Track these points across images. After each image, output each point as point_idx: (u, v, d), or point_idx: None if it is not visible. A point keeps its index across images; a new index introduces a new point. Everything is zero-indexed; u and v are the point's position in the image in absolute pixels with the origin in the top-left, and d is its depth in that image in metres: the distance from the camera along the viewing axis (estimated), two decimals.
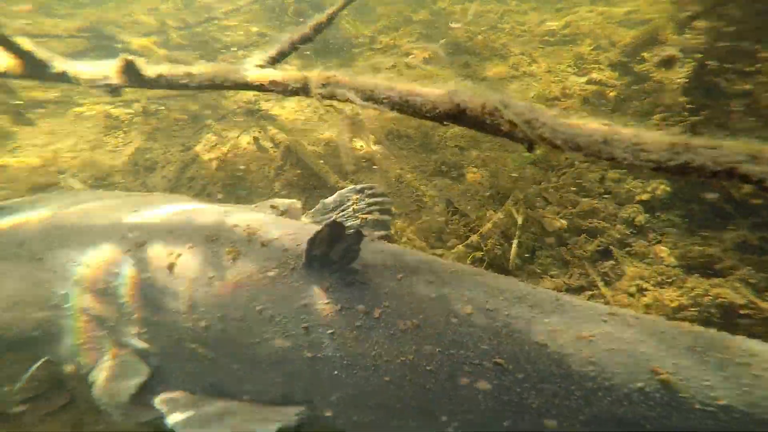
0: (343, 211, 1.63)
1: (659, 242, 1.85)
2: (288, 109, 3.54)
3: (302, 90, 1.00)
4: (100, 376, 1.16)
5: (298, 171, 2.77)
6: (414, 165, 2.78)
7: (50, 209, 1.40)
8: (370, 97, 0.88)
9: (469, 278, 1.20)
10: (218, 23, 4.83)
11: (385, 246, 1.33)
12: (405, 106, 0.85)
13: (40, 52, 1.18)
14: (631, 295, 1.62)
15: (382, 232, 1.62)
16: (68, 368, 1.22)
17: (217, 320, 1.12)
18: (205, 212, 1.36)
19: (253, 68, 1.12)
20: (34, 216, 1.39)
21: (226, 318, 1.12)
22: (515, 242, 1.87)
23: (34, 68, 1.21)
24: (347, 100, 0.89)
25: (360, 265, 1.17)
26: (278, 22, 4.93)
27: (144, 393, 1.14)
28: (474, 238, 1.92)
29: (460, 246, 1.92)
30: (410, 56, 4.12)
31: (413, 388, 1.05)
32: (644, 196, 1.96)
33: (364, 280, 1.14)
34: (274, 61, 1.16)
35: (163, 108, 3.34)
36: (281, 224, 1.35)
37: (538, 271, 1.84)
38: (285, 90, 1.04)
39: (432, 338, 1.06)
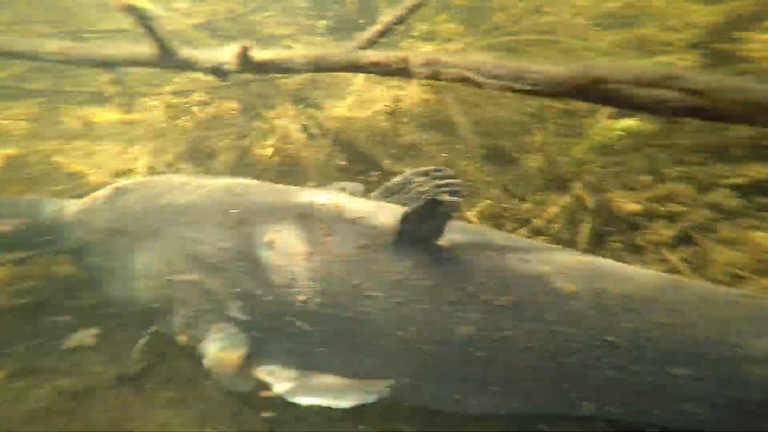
0: (406, 193, 1.63)
1: (757, 228, 1.75)
2: (335, 96, 3.61)
3: (403, 70, 1.04)
4: (210, 347, 1.25)
5: (348, 156, 2.84)
6: (462, 150, 2.78)
7: (158, 190, 1.52)
8: (469, 74, 0.91)
9: (567, 257, 1.20)
10: (264, 13, 4.94)
11: (466, 225, 1.37)
12: (518, 83, 0.87)
13: (169, 42, 1.29)
14: (725, 283, 1.57)
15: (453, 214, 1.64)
16: (182, 339, 1.34)
17: (315, 294, 1.18)
18: (294, 192, 1.44)
19: (353, 51, 1.17)
20: (147, 196, 1.50)
21: (323, 292, 1.17)
22: (587, 226, 1.85)
23: (165, 56, 1.32)
24: (461, 80, 0.92)
25: (447, 242, 1.18)
26: (321, 10, 4.97)
27: (247, 364, 1.22)
28: (538, 222, 1.91)
29: (522, 230, 1.92)
30: (450, 41, 4.06)
31: (509, 364, 1.06)
32: (738, 180, 1.87)
33: (454, 257, 1.16)
34: (371, 42, 1.21)
35: (216, 97, 3.50)
36: (362, 203, 1.41)
37: (609, 256, 1.82)
38: (386, 71, 1.08)
39: (533, 315, 1.05)
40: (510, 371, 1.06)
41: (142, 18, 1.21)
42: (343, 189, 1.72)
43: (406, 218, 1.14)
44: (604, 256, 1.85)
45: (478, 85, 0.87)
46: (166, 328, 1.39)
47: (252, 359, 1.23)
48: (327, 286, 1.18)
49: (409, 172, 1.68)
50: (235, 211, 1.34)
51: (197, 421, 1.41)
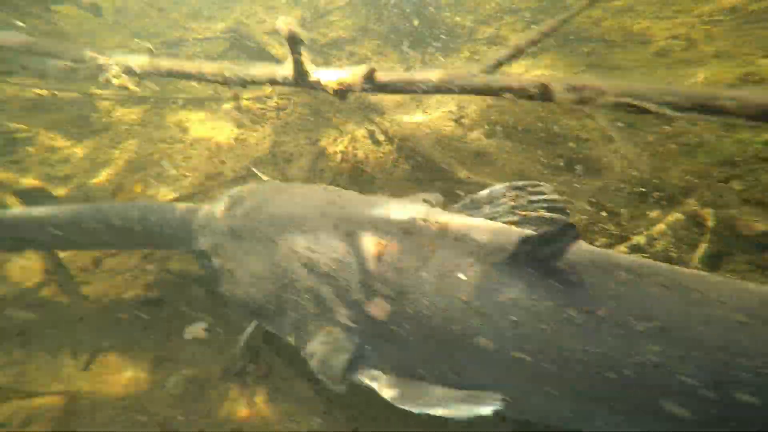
0: (495, 207, 1.58)
1: None
2: (399, 103, 3.68)
3: (543, 95, 1.02)
4: (318, 349, 1.34)
5: (414, 162, 2.90)
6: (535, 159, 2.70)
7: (269, 198, 1.63)
8: (633, 100, 0.87)
9: (711, 283, 1.12)
10: (325, 19, 5.15)
11: (584, 245, 1.30)
12: (704, 111, 0.81)
13: (306, 62, 1.43)
14: None
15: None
16: (290, 339, 1.45)
17: (423, 307, 1.22)
18: (393, 207, 1.48)
19: (480, 74, 1.19)
20: (260, 204, 1.61)
21: (431, 306, 1.20)
22: (703, 245, 1.71)
23: (299, 77, 1.47)
24: (616, 106, 0.88)
25: (567, 263, 1.15)
26: (378, 15, 5.04)
27: (351, 368, 1.31)
28: (638, 239, 1.80)
29: (621, 247, 1.83)
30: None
31: (651, 388, 1.02)
32: None
33: (577, 279, 1.13)
34: (499, 65, 1.21)
35: (290, 103, 3.75)
36: (462, 219, 1.42)
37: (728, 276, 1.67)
38: (522, 96, 1.08)
39: (688, 342, 1.00)
40: (651, 394, 1.03)
41: (296, 43, 1.35)
42: (427, 201, 1.74)
43: (526, 240, 1.14)
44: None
45: (643, 111, 0.83)
46: (276, 328, 1.51)
47: (355, 363, 1.32)
48: (435, 301, 1.21)
49: (499, 186, 1.62)
50: (343, 225, 1.43)
51: (291, 416, 1.59)
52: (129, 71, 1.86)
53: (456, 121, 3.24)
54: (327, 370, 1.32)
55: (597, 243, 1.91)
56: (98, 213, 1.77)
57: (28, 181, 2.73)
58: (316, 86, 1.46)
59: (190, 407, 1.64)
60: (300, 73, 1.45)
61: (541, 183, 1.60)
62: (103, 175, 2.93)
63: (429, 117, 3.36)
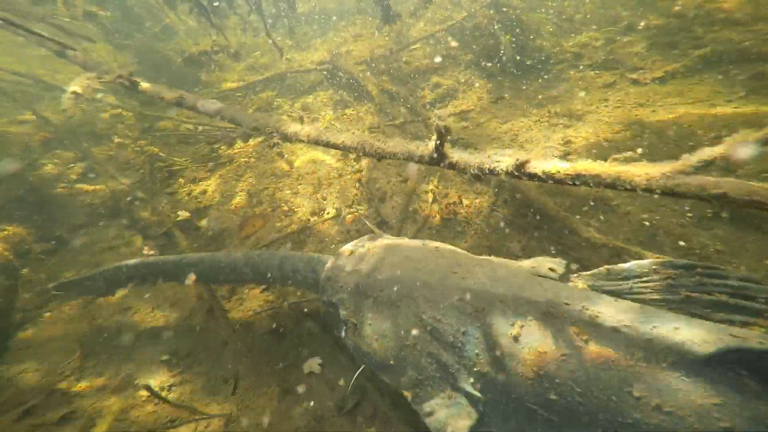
0: (645, 282, 1.40)
1: None
2: (496, 138, 3.61)
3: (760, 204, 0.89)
4: (441, 412, 1.41)
5: (515, 208, 2.81)
6: (674, 209, 2.36)
7: (392, 257, 1.75)
8: None
9: None
10: (412, 47, 5.27)
11: None
12: None
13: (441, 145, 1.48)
14: None
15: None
16: (406, 393, 1.57)
17: (576, 395, 1.22)
18: (522, 279, 1.49)
19: (668, 175, 1.05)
20: (384, 262, 1.73)
21: (586, 394, 1.20)
22: None
23: (439, 157, 1.53)
24: None
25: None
26: (465, 47, 4.98)
27: None
28: None
29: None
30: (639, 71, 3.53)
31: None
32: None
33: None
34: (697, 168, 1.05)
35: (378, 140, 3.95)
36: (613, 306, 1.34)
37: None
38: (726, 204, 0.95)
39: None
40: None
41: (442, 135, 1.45)
42: (553, 270, 1.64)
43: (734, 350, 1.08)
44: None
45: None
46: (393, 381, 1.59)
47: (475, 429, 1.38)
48: (594, 390, 1.21)
49: (649, 260, 1.45)
50: (471, 298, 1.49)
51: None
52: (286, 138, 2.19)
53: (561, 158, 3.07)
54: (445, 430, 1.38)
55: None
56: (249, 260, 2.18)
57: (183, 214, 3.35)
58: (454, 167, 1.51)
59: None
60: (440, 153, 1.52)
61: (719, 267, 1.35)
62: (232, 206, 3.46)
63: (528, 152, 3.23)
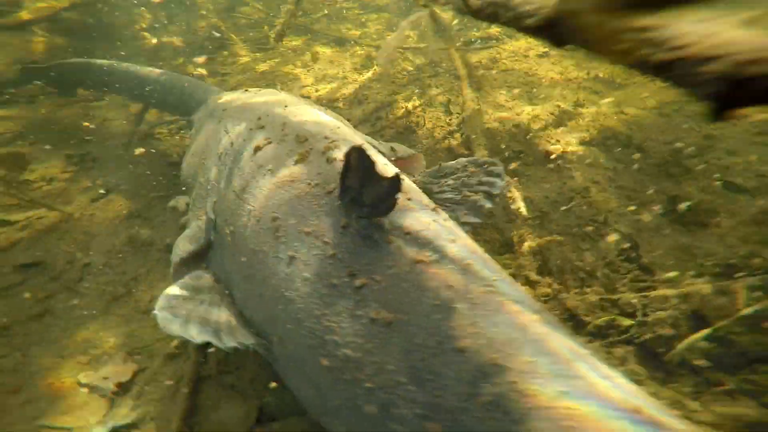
0: (456, 179, 1.51)
1: None
2: (507, 83, 3.26)
3: None
4: (184, 232, 1.36)
5: (462, 141, 2.62)
6: (622, 186, 2.00)
7: (256, 96, 1.74)
8: None
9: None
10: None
11: (458, 232, 1.06)
12: None
13: None
14: None
15: (474, 220, 1.37)
16: (185, 218, 1.54)
17: (247, 213, 1.13)
18: (322, 122, 1.39)
19: None
20: (249, 98, 1.74)
21: (252, 213, 1.11)
22: None
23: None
24: None
25: (396, 225, 0.96)
26: None
27: (194, 261, 1.26)
28: None
29: None
30: None
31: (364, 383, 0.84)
32: None
33: (381, 243, 0.92)
34: None
35: (402, 57, 3.87)
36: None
37: None
38: None
39: (409, 341, 0.81)
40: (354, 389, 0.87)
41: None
42: (394, 150, 1.65)
43: (345, 171, 1.00)
44: None
45: None
46: (189, 198, 1.58)
47: (201, 260, 1.30)
48: (256, 209, 1.15)
49: (466, 158, 1.59)
50: (261, 119, 1.43)
51: None
52: None
53: (557, 115, 2.66)
54: (174, 254, 1.33)
55: None
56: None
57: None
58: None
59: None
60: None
61: (497, 163, 1.53)
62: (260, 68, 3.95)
63: (528, 110, 2.84)
